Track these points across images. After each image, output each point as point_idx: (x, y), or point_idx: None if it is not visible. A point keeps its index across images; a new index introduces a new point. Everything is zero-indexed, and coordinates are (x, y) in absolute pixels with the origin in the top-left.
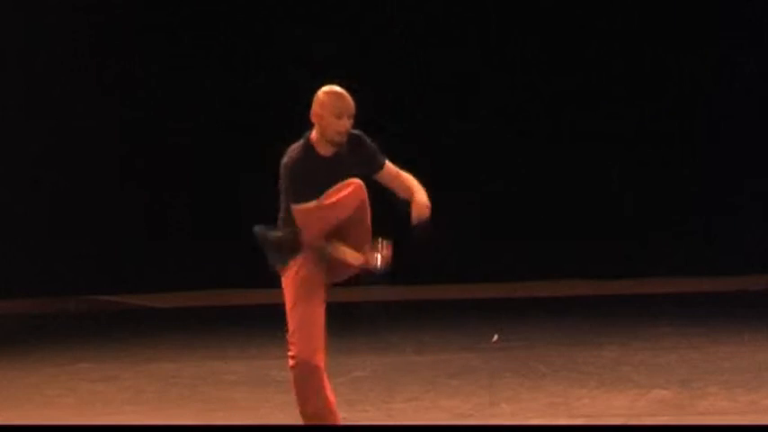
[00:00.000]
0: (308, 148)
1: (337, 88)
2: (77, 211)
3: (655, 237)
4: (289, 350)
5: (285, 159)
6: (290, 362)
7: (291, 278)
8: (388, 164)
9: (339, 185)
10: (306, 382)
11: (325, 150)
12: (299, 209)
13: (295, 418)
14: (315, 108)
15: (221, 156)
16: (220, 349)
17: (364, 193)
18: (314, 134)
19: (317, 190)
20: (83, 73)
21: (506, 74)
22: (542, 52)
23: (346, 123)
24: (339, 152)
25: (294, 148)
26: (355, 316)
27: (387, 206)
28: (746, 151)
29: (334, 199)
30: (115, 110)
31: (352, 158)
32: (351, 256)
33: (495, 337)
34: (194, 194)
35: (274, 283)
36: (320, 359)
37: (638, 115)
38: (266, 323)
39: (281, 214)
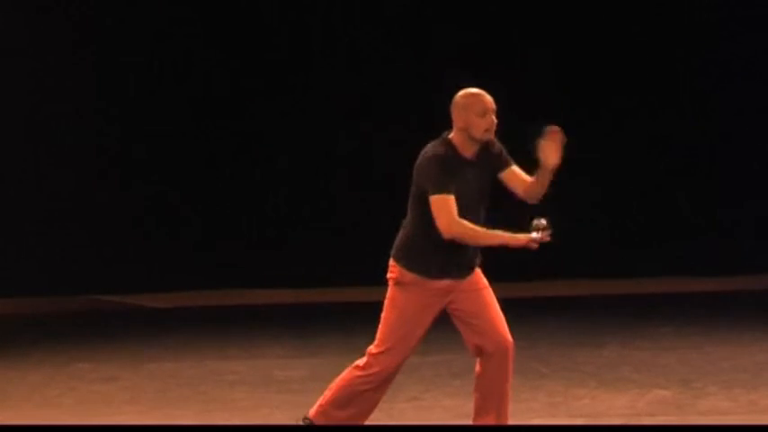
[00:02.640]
0: (451, 148)
1: (473, 89)
2: (78, 210)
3: (655, 236)
4: (364, 363)
5: (424, 154)
6: (358, 372)
7: (409, 295)
8: (515, 165)
9: None
10: (362, 395)
11: (467, 152)
12: (437, 199)
13: (295, 418)
14: (457, 114)
15: (223, 156)
16: (221, 349)
17: None
18: (455, 137)
19: (454, 185)
20: (87, 71)
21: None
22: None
23: (491, 119)
24: (479, 157)
25: (435, 146)
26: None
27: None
28: (749, 151)
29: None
30: (118, 110)
31: (484, 160)
32: (510, 238)
33: None
34: (195, 194)
35: (273, 283)
36: (393, 379)
37: (638, 116)
38: (267, 323)
39: (409, 218)
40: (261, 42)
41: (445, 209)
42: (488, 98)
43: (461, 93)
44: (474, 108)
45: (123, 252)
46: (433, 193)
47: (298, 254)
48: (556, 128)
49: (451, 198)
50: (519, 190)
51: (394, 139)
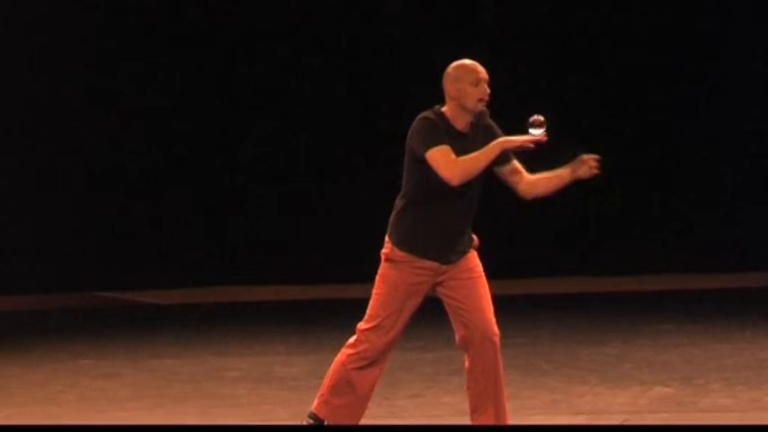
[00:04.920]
0: (443, 118)
1: (465, 60)
2: (79, 208)
3: (656, 234)
4: (355, 340)
5: (415, 121)
6: (349, 350)
7: (399, 272)
8: (515, 159)
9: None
10: (355, 377)
11: (459, 124)
12: (433, 151)
13: (297, 415)
14: (449, 85)
15: (225, 155)
16: (222, 346)
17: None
18: (447, 109)
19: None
20: (86, 74)
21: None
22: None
23: (485, 89)
24: (472, 131)
25: (424, 114)
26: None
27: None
28: (750, 147)
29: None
30: (117, 107)
31: (482, 138)
32: (505, 141)
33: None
34: (197, 192)
35: (274, 280)
36: (385, 360)
37: (638, 114)
38: (268, 320)
39: (401, 193)
40: (259, 41)
41: (442, 157)
42: (481, 68)
43: (454, 64)
44: (467, 78)
45: (124, 249)
46: (428, 149)
47: (298, 251)
48: (540, 120)
49: (446, 148)
50: (520, 185)
51: (395, 137)
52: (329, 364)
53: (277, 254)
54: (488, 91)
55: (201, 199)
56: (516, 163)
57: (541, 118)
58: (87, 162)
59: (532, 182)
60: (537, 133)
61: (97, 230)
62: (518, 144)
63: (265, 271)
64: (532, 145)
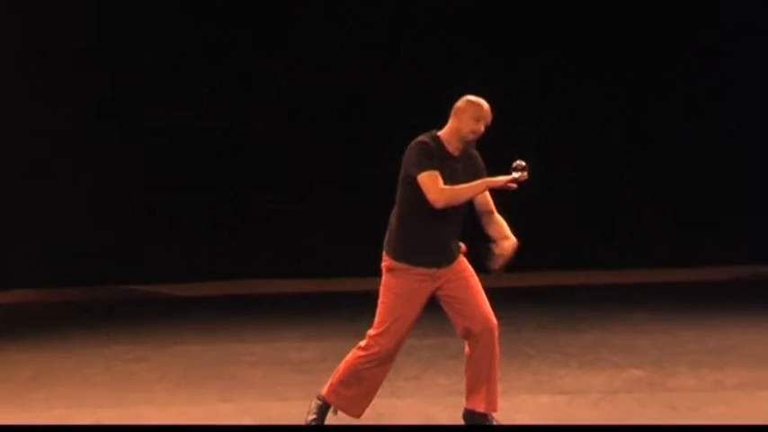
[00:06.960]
0: (436, 140)
1: (481, 100)
2: (111, 208)
3: (631, 230)
4: (365, 344)
5: (412, 144)
6: (361, 352)
7: (400, 280)
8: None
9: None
10: (365, 374)
11: (451, 148)
12: (424, 175)
13: (308, 395)
14: (456, 112)
15: (241, 151)
16: (240, 333)
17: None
18: (443, 133)
19: (442, 172)
20: (109, 71)
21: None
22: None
23: (482, 128)
24: (462, 157)
25: (420, 137)
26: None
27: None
28: (729, 147)
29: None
30: (141, 108)
31: (467, 168)
32: (490, 181)
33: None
34: (217, 194)
35: (288, 273)
36: (393, 360)
37: (626, 111)
38: (282, 310)
39: (394, 210)
40: (259, 41)
41: (431, 182)
42: (488, 111)
43: (469, 97)
44: (472, 111)
45: (152, 244)
46: (419, 173)
47: (308, 248)
48: (522, 165)
49: (436, 173)
50: (483, 217)
51: (401, 135)
52: (337, 350)
53: (289, 250)
54: (483, 131)
55: (221, 200)
56: (490, 203)
57: (523, 163)
58: (115, 161)
59: (487, 222)
60: (517, 176)
61: (127, 228)
62: (502, 184)
63: (279, 266)
64: (515, 185)
